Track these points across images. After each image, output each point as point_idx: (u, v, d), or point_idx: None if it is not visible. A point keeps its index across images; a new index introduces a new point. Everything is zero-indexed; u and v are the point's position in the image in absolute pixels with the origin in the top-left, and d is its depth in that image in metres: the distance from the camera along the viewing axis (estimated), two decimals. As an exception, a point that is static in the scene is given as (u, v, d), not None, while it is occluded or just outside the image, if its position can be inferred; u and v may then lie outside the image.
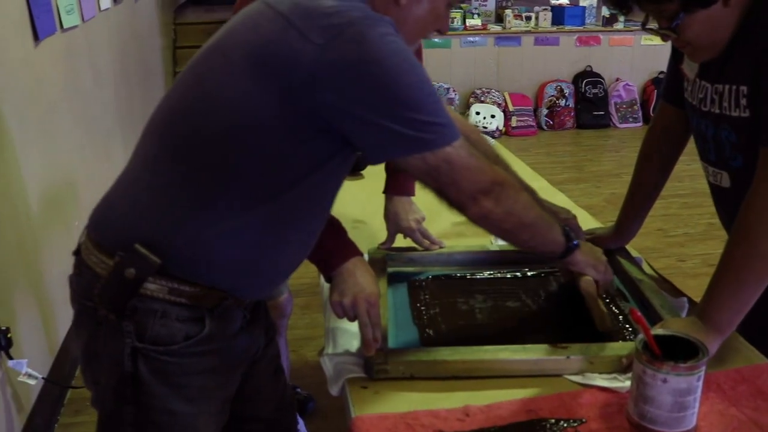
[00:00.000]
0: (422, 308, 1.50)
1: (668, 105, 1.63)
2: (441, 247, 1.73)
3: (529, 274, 1.66)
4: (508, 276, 1.65)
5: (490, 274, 1.65)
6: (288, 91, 1.08)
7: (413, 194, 1.81)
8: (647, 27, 1.37)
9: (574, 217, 1.52)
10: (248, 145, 1.11)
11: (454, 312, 1.49)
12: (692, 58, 1.41)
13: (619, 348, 1.31)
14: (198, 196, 1.13)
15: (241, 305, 1.26)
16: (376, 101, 1.07)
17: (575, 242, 1.35)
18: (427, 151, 1.10)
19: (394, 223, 1.78)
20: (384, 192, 1.84)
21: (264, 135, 1.10)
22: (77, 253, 1.24)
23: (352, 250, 1.40)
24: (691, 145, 1.61)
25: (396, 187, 1.81)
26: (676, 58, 1.55)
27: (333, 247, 1.38)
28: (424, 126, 1.09)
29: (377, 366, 1.27)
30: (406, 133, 1.08)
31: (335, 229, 1.39)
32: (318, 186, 1.19)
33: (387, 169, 1.85)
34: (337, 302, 1.34)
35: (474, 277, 1.65)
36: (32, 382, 2.23)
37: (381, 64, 1.06)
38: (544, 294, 1.56)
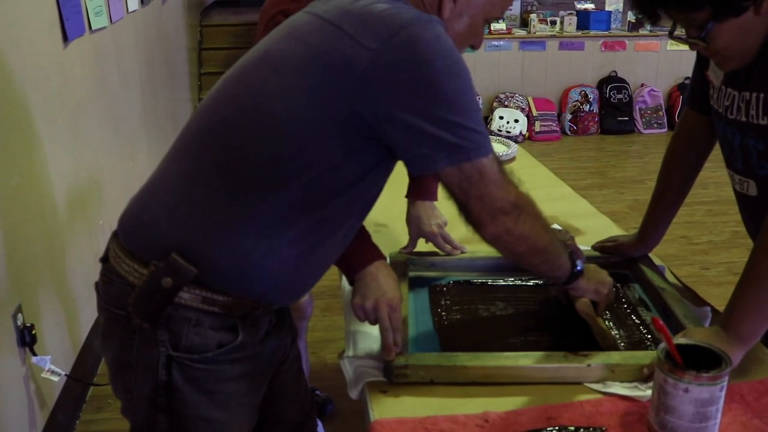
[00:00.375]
0: (443, 313, 1.50)
1: (693, 112, 1.62)
2: (462, 252, 1.73)
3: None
4: (530, 283, 1.64)
5: (511, 281, 1.65)
6: (341, 100, 1.08)
7: (436, 199, 1.81)
8: (675, 35, 1.36)
9: (572, 238, 1.51)
10: (297, 160, 1.11)
11: (474, 318, 1.49)
12: (721, 66, 1.40)
13: (640, 357, 1.30)
14: (239, 209, 1.13)
15: (270, 311, 1.28)
16: (424, 102, 1.07)
17: (579, 268, 1.35)
18: (466, 161, 1.10)
19: (416, 227, 1.78)
20: (406, 196, 1.84)
21: (314, 149, 1.11)
22: (105, 260, 1.24)
23: (376, 254, 1.40)
24: (716, 152, 1.59)
25: (419, 191, 1.81)
26: (701, 64, 1.54)
27: (356, 250, 1.38)
28: (467, 133, 1.09)
29: (397, 370, 1.27)
30: (449, 139, 1.08)
31: (359, 232, 1.39)
32: (359, 197, 1.20)
33: (409, 173, 1.85)
34: (359, 305, 1.35)
35: (495, 283, 1.64)
36: (55, 378, 2.26)
37: (432, 65, 1.06)
38: (565, 301, 1.55)
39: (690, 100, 1.63)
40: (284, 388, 1.42)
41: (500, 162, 1.15)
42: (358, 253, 1.39)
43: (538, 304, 1.55)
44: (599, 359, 1.28)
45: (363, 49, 1.06)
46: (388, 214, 2.04)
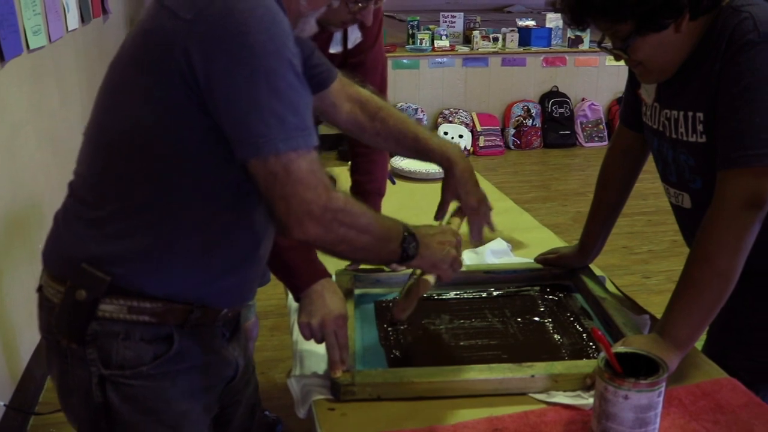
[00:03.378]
0: (389, 329, 1.51)
1: (626, 128, 1.67)
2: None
3: (494, 293, 1.67)
4: (474, 296, 1.66)
5: (456, 294, 1.66)
6: (172, 75, 1.02)
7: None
8: (602, 45, 1.41)
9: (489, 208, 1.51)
10: (153, 148, 1.07)
11: (420, 332, 1.50)
12: (643, 78, 1.45)
13: (583, 366, 1.33)
14: (129, 207, 1.10)
15: (215, 320, 1.22)
16: (235, 80, 0.99)
17: (409, 253, 1.21)
18: (272, 153, 1.01)
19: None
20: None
21: (165, 135, 1.06)
22: (39, 289, 1.21)
23: (321, 272, 1.41)
24: (654, 164, 1.65)
25: None
26: (633, 83, 1.59)
27: (302, 268, 1.38)
28: (277, 121, 1.01)
29: (344, 388, 1.28)
30: (256, 126, 1.00)
31: (304, 250, 1.39)
32: (231, 185, 1.12)
33: (351, 191, 1.87)
34: (305, 323, 1.35)
35: (440, 297, 1.66)
36: (-6, 408, 2.19)
37: (245, 39, 0.98)
38: (510, 313, 1.58)
39: (623, 117, 1.68)
40: (235, 410, 1.39)
41: (318, 160, 1.05)
42: (304, 271, 1.39)
43: (483, 315, 1.57)
44: (543, 370, 1.30)
45: (179, 21, 1.00)
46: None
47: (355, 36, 1.74)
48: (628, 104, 1.64)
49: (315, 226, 1.05)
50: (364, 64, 1.82)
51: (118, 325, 1.11)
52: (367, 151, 1.85)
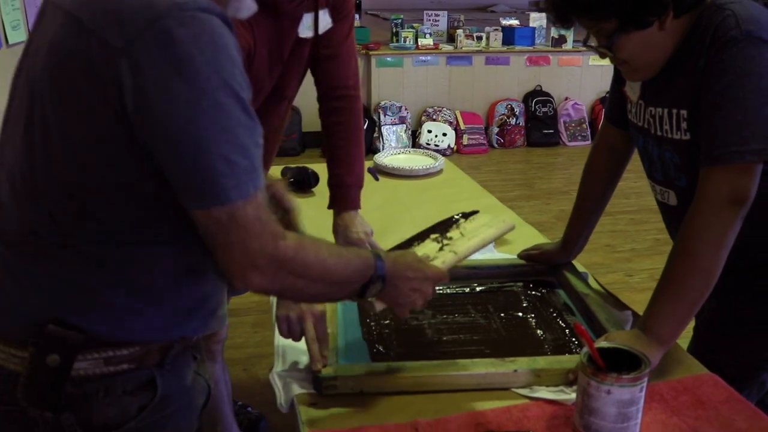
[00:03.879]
0: (372, 324, 1.51)
1: (611, 126, 1.67)
2: None
3: (477, 289, 1.67)
4: (457, 291, 1.66)
5: (439, 290, 1.66)
6: (104, 112, 0.89)
7: (359, 207, 1.84)
8: (587, 44, 1.42)
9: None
10: (96, 184, 0.94)
11: (403, 327, 1.50)
12: (628, 76, 1.46)
13: (565, 361, 1.33)
14: (87, 255, 0.96)
15: (188, 348, 1.12)
16: (176, 120, 0.87)
17: (367, 295, 1.14)
18: (217, 204, 0.91)
19: (343, 235, 1.79)
20: (329, 207, 1.85)
21: (106, 169, 0.93)
22: None
23: None
24: (636, 163, 1.65)
25: (342, 201, 1.83)
26: (618, 81, 1.60)
27: None
28: (224, 166, 0.89)
29: (326, 382, 1.27)
30: (198, 174, 0.89)
31: None
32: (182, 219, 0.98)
33: (329, 185, 1.87)
34: (284, 317, 1.34)
35: None
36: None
37: (186, 73, 0.86)
38: (493, 308, 1.58)
39: (608, 114, 1.68)
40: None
41: (264, 204, 0.95)
42: None
43: (466, 311, 1.57)
44: (525, 364, 1.30)
45: (108, 50, 0.86)
46: (318, 228, 2.03)
47: (325, 21, 1.73)
48: (613, 102, 1.64)
49: (259, 277, 0.96)
50: (338, 57, 1.81)
51: (95, 382, 0.99)
52: (346, 143, 1.85)
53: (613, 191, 1.73)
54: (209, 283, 1.08)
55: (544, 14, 6.90)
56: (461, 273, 1.71)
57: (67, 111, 0.92)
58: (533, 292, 1.66)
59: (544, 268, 1.74)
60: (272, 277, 0.98)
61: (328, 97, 1.85)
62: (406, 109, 6.24)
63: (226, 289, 1.17)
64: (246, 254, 0.94)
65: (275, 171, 2.46)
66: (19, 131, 0.97)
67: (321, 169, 2.42)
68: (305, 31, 1.68)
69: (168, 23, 0.86)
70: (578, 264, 1.79)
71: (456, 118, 6.39)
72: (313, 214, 2.12)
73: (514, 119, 6.52)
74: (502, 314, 1.55)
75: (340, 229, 1.81)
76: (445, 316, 1.54)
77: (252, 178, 0.92)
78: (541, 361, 1.32)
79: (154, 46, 0.85)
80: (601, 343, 1.23)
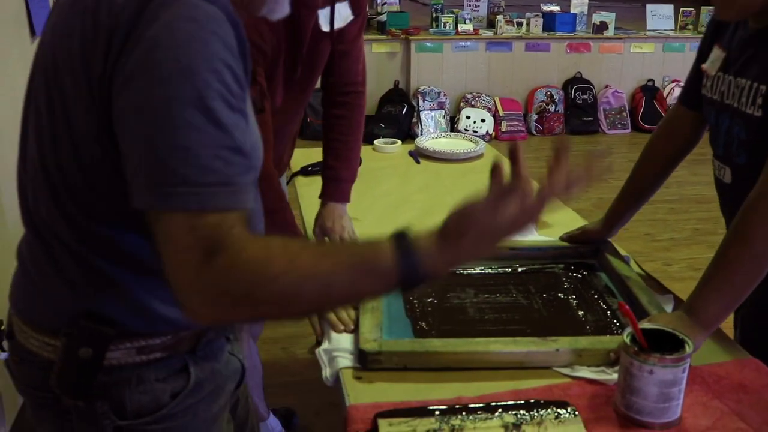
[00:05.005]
0: (414, 301, 1.53)
1: (682, 106, 1.67)
2: None
3: (519, 269, 1.69)
4: (499, 271, 1.68)
5: (480, 269, 1.68)
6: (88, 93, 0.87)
7: (349, 201, 1.87)
8: None
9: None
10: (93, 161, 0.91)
11: (445, 305, 1.52)
12: (722, 11, 1.42)
13: (607, 342, 1.34)
14: (109, 245, 0.94)
15: (222, 330, 1.12)
16: (136, 109, 0.82)
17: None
18: (150, 207, 0.83)
19: (320, 225, 1.84)
20: (321, 197, 1.88)
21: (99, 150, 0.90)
22: (10, 336, 1.06)
23: None
24: (681, 154, 1.64)
25: (333, 193, 1.86)
26: (700, 59, 1.59)
27: None
28: (161, 173, 0.80)
29: (371, 357, 1.30)
30: (140, 172, 0.82)
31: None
32: None
33: (324, 176, 1.89)
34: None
35: (464, 272, 1.68)
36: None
37: (151, 59, 0.80)
38: (534, 289, 1.59)
39: (682, 95, 1.68)
40: (237, 406, 1.27)
41: (212, 224, 0.81)
42: None
43: (507, 291, 1.59)
44: (567, 344, 1.32)
45: (98, 28, 0.84)
46: (357, 207, 2.06)
47: (345, 14, 1.73)
48: (691, 81, 1.63)
49: (204, 308, 0.83)
50: (351, 53, 1.83)
51: (128, 371, 0.99)
52: (346, 138, 1.87)
53: (669, 175, 1.72)
54: None
55: (586, 0, 6.84)
56: (503, 253, 1.72)
57: (70, 94, 0.89)
58: (574, 274, 1.67)
59: (585, 251, 1.75)
60: (227, 309, 0.83)
61: (336, 92, 1.87)
62: (445, 94, 6.24)
63: None
64: (181, 280, 0.82)
65: (316, 153, 2.49)
66: (38, 121, 0.96)
67: (362, 150, 2.45)
68: (325, 24, 1.69)
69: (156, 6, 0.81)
70: (619, 248, 1.79)
71: (495, 104, 6.36)
72: (356, 195, 2.15)
73: (554, 106, 6.47)
74: (544, 295, 1.57)
75: (319, 219, 1.84)
76: (486, 296, 1.56)
77: (228, 190, 0.82)
78: (583, 341, 1.34)
79: (132, 25, 0.82)
80: (645, 324, 1.24)
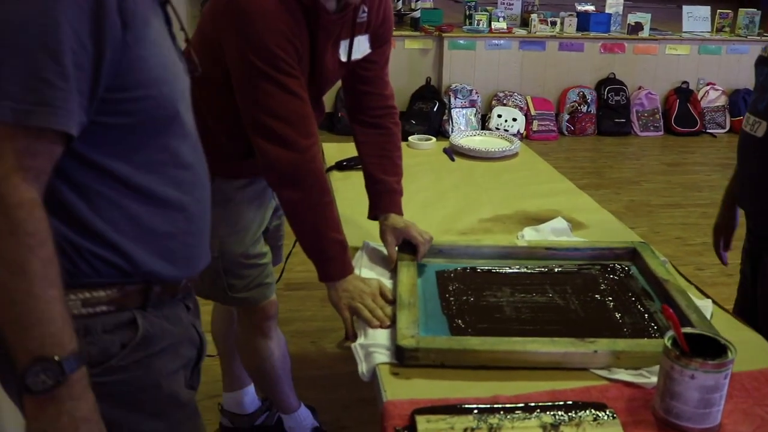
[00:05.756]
0: (451, 299, 1.53)
1: None
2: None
3: (556, 270, 1.68)
4: (535, 271, 1.68)
5: (516, 269, 1.68)
6: None
7: (402, 214, 1.79)
8: None
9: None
10: None
11: (482, 303, 1.52)
12: None
13: (645, 345, 1.33)
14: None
15: (175, 293, 1.15)
16: None
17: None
18: None
19: (395, 232, 1.72)
20: (374, 213, 1.80)
21: None
22: None
23: (350, 268, 1.61)
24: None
25: (393, 206, 1.79)
26: None
27: (339, 259, 1.61)
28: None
29: (408, 353, 1.30)
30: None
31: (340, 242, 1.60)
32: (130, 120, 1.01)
33: (375, 191, 1.82)
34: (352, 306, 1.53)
35: (501, 270, 1.67)
36: None
37: None
38: (571, 289, 1.59)
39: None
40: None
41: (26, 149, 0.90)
42: (340, 263, 1.59)
43: (544, 290, 1.58)
44: (605, 346, 1.31)
45: None
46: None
47: (363, 47, 1.74)
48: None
49: None
50: (382, 78, 1.85)
51: (75, 323, 0.97)
52: (391, 153, 1.84)
53: None
54: (161, 217, 1.08)
55: (621, 0, 6.78)
56: (540, 253, 1.72)
57: None
58: (611, 276, 1.66)
59: (622, 252, 1.74)
60: None
61: (373, 114, 1.84)
62: (476, 92, 6.22)
63: (200, 232, 1.17)
64: None
65: (351, 148, 2.50)
66: None
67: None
68: (343, 55, 1.70)
69: None
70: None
71: (527, 103, 6.33)
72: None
73: (586, 107, 6.43)
74: (581, 296, 1.56)
75: (398, 229, 1.72)
76: (523, 295, 1.56)
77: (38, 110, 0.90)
78: (621, 343, 1.33)
79: None
80: (686, 329, 1.23)
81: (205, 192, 1.17)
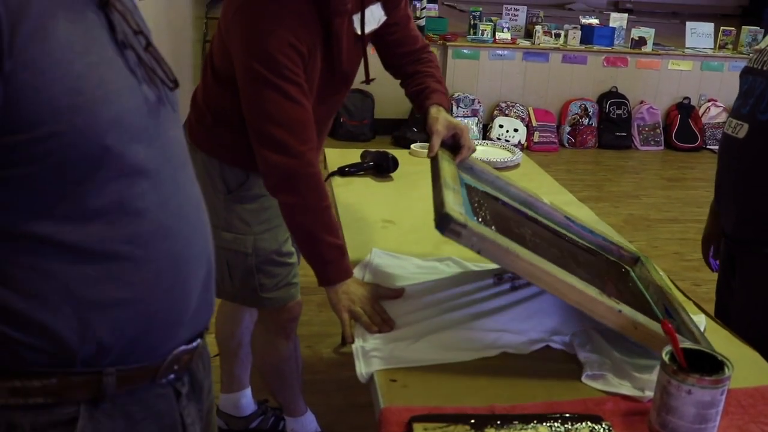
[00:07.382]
0: (479, 210, 1.47)
1: None
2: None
3: (566, 237, 1.66)
4: (552, 229, 1.65)
5: (543, 217, 1.67)
6: None
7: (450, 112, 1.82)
8: None
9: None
10: None
11: (507, 230, 1.45)
12: None
13: (658, 328, 1.30)
14: None
15: (155, 376, 0.91)
16: None
17: None
18: None
19: (444, 123, 1.69)
20: (420, 107, 1.80)
21: None
22: None
23: (349, 271, 1.60)
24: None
25: (437, 98, 1.77)
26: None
27: (336, 263, 1.59)
28: None
29: (453, 224, 1.23)
30: None
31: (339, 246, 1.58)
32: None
33: (417, 93, 1.82)
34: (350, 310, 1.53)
35: (525, 212, 1.65)
36: None
37: None
38: (582, 260, 1.57)
39: None
40: None
41: None
42: (337, 267, 1.58)
43: (561, 247, 1.58)
44: (629, 312, 1.29)
45: None
46: (394, 211, 2.08)
47: (378, 15, 1.74)
48: None
49: None
50: (408, 36, 1.86)
51: None
52: (436, 75, 1.85)
53: None
54: (109, 280, 0.84)
55: (625, 15, 6.81)
56: (558, 218, 1.72)
57: None
58: (612, 270, 1.66)
59: (627, 255, 1.73)
60: None
61: (408, 60, 1.86)
62: (479, 102, 6.23)
63: (191, 289, 0.94)
64: None
65: (353, 154, 2.51)
66: None
67: (398, 155, 2.46)
68: (359, 28, 1.71)
69: None
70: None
71: (528, 114, 6.35)
72: (393, 199, 2.17)
73: (587, 119, 6.45)
74: (590, 270, 1.54)
75: (453, 126, 1.69)
76: (540, 241, 1.53)
77: None
78: (641, 317, 1.31)
79: None
80: (685, 344, 1.23)
81: (180, 239, 0.91)
